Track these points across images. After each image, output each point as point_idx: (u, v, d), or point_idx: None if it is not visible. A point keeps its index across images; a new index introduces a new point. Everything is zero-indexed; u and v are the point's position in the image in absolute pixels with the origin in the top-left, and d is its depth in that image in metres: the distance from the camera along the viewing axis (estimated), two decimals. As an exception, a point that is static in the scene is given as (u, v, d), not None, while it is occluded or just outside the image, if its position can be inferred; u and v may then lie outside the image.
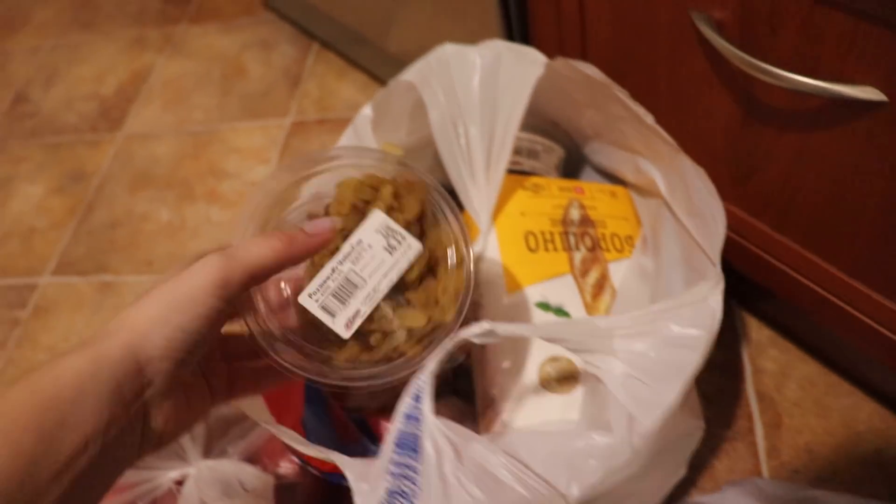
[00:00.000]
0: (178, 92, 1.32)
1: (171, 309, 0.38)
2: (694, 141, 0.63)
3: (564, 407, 0.57)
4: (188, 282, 0.39)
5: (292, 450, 0.54)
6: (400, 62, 1.04)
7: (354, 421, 0.65)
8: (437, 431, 0.45)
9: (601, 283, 0.64)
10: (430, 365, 0.45)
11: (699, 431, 0.63)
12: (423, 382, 0.45)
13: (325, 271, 0.44)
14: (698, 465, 0.73)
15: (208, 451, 0.69)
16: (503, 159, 0.63)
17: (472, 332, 0.46)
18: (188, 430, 0.43)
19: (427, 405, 0.45)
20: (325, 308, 0.44)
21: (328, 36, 1.23)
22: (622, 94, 0.58)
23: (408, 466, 0.45)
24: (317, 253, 0.45)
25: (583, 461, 0.48)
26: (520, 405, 0.58)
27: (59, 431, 0.34)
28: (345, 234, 0.45)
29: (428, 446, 0.45)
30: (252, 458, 0.66)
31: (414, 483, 0.45)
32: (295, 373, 0.44)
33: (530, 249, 0.64)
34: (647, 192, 0.68)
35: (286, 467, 0.66)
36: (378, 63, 1.14)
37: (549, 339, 0.49)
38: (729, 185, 0.64)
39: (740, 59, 0.50)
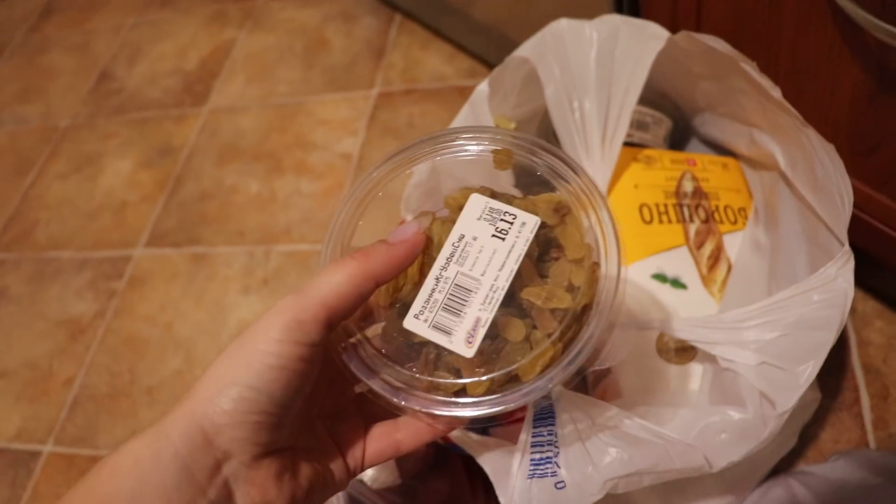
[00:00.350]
0: (260, 66, 1.34)
1: (237, 366, 0.33)
2: (814, 114, 0.62)
3: (682, 378, 0.58)
4: (256, 332, 0.33)
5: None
6: (486, 32, 1.04)
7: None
8: (568, 402, 0.47)
9: (716, 255, 0.64)
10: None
11: (815, 403, 0.63)
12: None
13: (429, 283, 0.37)
14: (804, 436, 0.73)
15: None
16: (619, 135, 0.63)
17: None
18: None
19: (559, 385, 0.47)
20: (437, 327, 0.37)
21: (411, 6, 1.23)
22: (750, 67, 0.57)
23: (547, 434, 0.47)
24: (408, 264, 0.37)
25: (715, 435, 0.49)
26: (636, 376, 0.59)
27: None
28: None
29: (563, 414, 0.47)
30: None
31: (555, 446, 0.46)
32: (438, 416, 0.37)
33: (645, 222, 0.64)
34: (760, 165, 0.68)
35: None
36: (463, 32, 1.14)
37: (681, 336, 0.50)
38: (850, 159, 0.63)
39: (882, 29, 0.49)
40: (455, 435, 0.52)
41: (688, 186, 0.67)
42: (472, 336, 0.36)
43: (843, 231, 0.53)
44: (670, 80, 0.71)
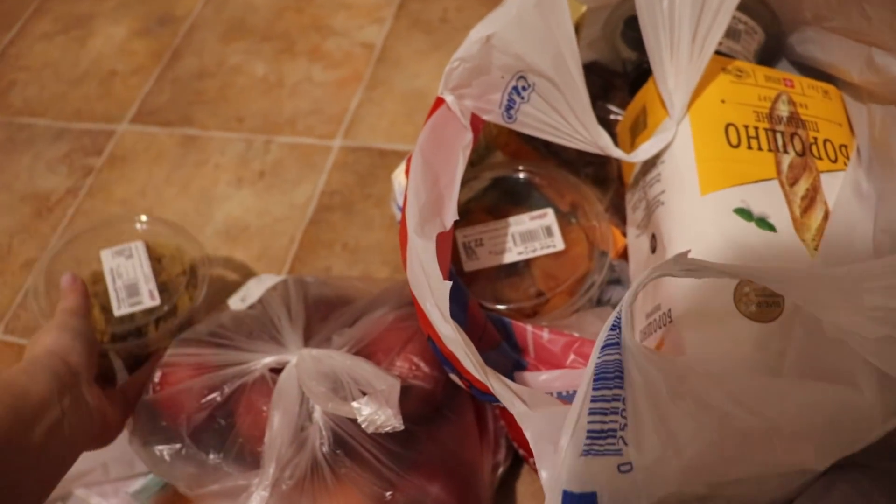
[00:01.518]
0: (282, -63, 1.19)
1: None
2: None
3: (763, 338, 0.47)
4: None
5: (446, 360, 0.44)
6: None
7: (493, 321, 0.55)
8: (644, 359, 0.36)
9: (812, 196, 0.53)
10: (629, 297, 0.37)
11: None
12: (622, 311, 0.37)
13: None
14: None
15: (308, 338, 0.60)
16: (714, 35, 0.52)
17: (676, 268, 0.36)
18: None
19: (629, 332, 0.36)
20: None
21: None
22: None
23: (612, 399, 0.36)
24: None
25: (821, 421, 0.37)
26: (705, 330, 0.48)
27: (25, 395, 0.48)
28: None
29: (635, 374, 0.35)
30: (364, 351, 0.58)
31: (622, 415, 0.35)
32: None
33: (731, 145, 0.53)
34: (872, 95, 0.56)
35: (401, 366, 0.57)
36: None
37: (779, 290, 0.39)
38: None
39: None
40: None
41: (783, 110, 0.55)
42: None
43: None
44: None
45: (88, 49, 1.14)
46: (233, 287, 0.78)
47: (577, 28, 0.59)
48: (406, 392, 0.55)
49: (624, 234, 0.61)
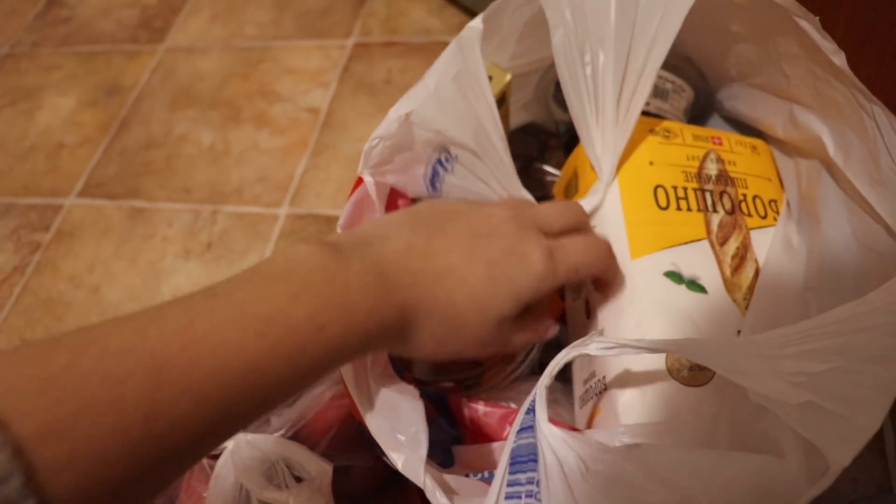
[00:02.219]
0: (228, 4, 1.20)
1: None
2: (877, 89, 0.51)
3: (697, 402, 0.46)
4: None
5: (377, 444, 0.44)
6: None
7: (428, 396, 0.54)
8: (558, 440, 0.35)
9: (742, 255, 0.53)
10: (545, 379, 0.38)
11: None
12: (536, 395, 0.37)
13: None
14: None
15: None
16: (639, 97, 0.51)
17: (592, 347, 0.38)
18: None
19: (542, 414, 0.37)
20: None
21: (398, -49, 1.11)
22: (809, 25, 0.46)
23: (526, 482, 0.36)
24: None
25: (745, 493, 0.37)
26: (639, 397, 0.47)
27: None
28: None
29: (549, 455, 0.35)
30: (300, 433, 0.56)
31: (536, 498, 0.35)
32: None
33: (660, 207, 0.53)
34: (798, 150, 0.57)
35: (339, 446, 0.56)
36: (454, -17, 1.02)
37: (696, 360, 0.39)
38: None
39: None
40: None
41: (712, 169, 0.56)
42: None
43: None
44: (698, 41, 0.59)
45: (36, 122, 1.14)
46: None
47: (505, 95, 0.59)
48: (347, 472, 0.54)
49: (562, 298, 0.61)
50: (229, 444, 0.55)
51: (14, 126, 1.14)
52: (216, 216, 0.93)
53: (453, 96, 0.49)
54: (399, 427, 0.44)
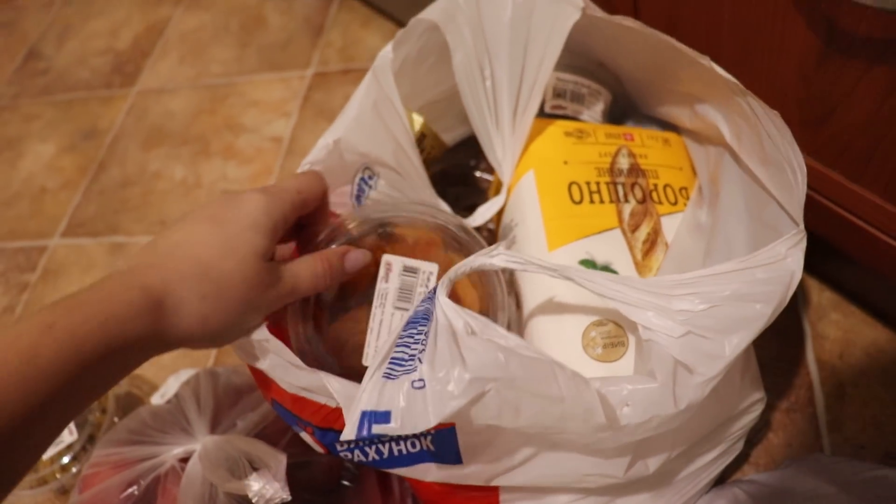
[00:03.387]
0: (195, 45, 1.26)
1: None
2: (760, 82, 0.56)
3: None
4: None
5: (289, 414, 0.49)
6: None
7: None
8: (449, 308, 0.41)
9: (653, 239, 0.57)
10: (451, 273, 0.44)
11: (760, 405, 0.57)
12: (440, 282, 0.43)
13: None
14: (752, 439, 0.67)
15: (216, 425, 0.64)
16: (532, 106, 0.57)
17: (498, 259, 0.44)
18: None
19: (442, 291, 0.42)
20: None
21: (351, -18, 1.16)
22: (669, 40, 0.51)
23: (417, 333, 0.41)
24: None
25: (617, 407, 0.42)
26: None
27: None
28: None
29: (441, 315, 0.41)
30: (263, 433, 0.61)
31: (422, 344, 0.40)
32: None
33: (574, 202, 0.57)
34: (705, 138, 0.61)
35: (297, 443, 0.60)
36: (406, 8, 1.07)
37: (603, 294, 0.44)
38: (799, 130, 0.57)
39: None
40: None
41: (623, 163, 0.60)
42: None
43: (797, 208, 0.47)
44: (605, 49, 0.64)
45: (19, 170, 1.19)
46: (159, 384, 0.82)
47: (424, 133, 0.63)
48: (307, 466, 0.59)
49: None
50: (197, 447, 0.60)
51: (-1, 175, 1.19)
52: (190, 245, 0.98)
53: (373, 122, 0.55)
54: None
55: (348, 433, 0.37)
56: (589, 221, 0.57)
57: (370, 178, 0.56)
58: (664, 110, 0.64)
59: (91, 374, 0.36)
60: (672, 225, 0.59)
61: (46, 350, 0.34)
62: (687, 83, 0.57)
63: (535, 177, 0.59)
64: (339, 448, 0.47)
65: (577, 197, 0.57)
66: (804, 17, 0.50)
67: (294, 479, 0.56)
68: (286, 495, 0.51)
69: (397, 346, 0.40)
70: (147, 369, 0.86)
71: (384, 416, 0.36)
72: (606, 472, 0.48)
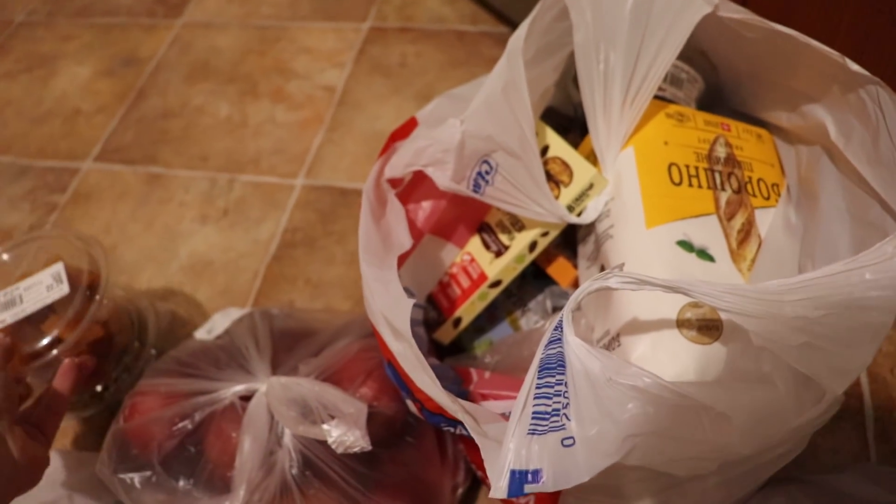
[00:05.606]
0: (245, -17, 1.23)
1: None
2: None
3: (703, 358, 0.51)
4: None
5: (402, 382, 0.48)
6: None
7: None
8: (582, 350, 0.39)
9: (747, 230, 0.57)
10: (571, 303, 0.41)
11: (837, 405, 0.57)
12: (564, 315, 0.40)
13: None
14: (800, 442, 0.68)
15: (276, 367, 0.63)
16: (643, 95, 0.56)
17: (612, 280, 0.41)
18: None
19: (569, 329, 0.39)
20: None
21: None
22: (795, 34, 0.51)
23: (555, 384, 0.39)
24: None
25: (744, 413, 0.42)
26: (651, 352, 0.51)
27: None
28: None
29: (576, 362, 0.39)
30: (332, 378, 0.60)
31: (564, 396, 0.38)
32: None
33: (674, 183, 0.57)
34: (799, 138, 0.61)
35: (365, 393, 0.60)
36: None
37: (708, 302, 0.43)
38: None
39: None
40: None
41: (721, 152, 0.60)
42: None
43: None
44: (714, 38, 0.63)
45: (52, 88, 1.16)
46: (199, 320, 0.80)
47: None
48: (371, 418, 0.58)
49: (575, 266, 0.65)
50: (262, 387, 0.59)
51: (30, 92, 1.16)
52: (233, 184, 0.96)
53: (502, 106, 0.54)
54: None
55: (498, 492, 0.36)
56: (687, 203, 0.56)
57: (488, 172, 0.55)
58: (760, 105, 0.64)
59: None
60: (764, 219, 0.59)
61: None
62: (801, 79, 0.56)
63: (636, 154, 0.58)
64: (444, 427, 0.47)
65: (676, 178, 0.57)
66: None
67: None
68: (367, 444, 0.51)
69: (536, 397, 0.38)
70: (184, 302, 0.84)
71: (535, 475, 0.36)
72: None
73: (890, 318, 0.42)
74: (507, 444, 0.37)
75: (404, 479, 0.58)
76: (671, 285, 0.41)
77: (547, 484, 0.35)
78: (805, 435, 0.58)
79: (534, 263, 0.65)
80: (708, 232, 0.56)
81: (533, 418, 0.38)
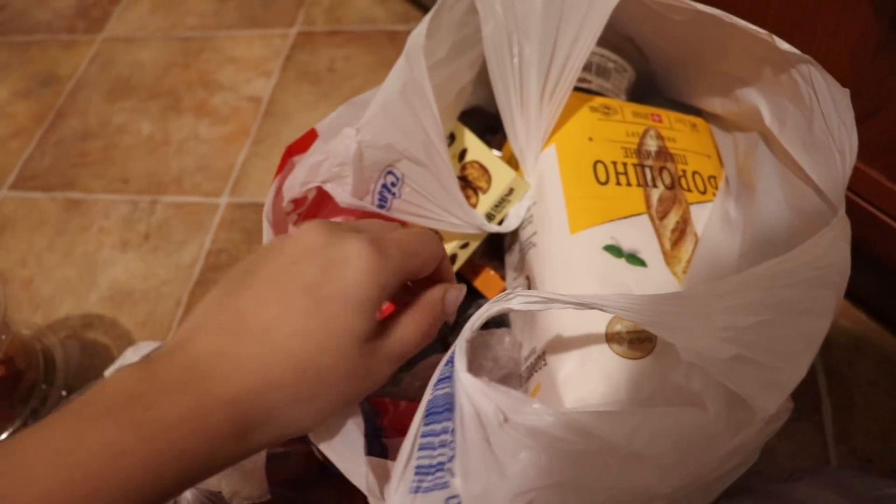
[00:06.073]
0: (168, -7, 1.18)
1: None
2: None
3: (636, 374, 0.46)
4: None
5: None
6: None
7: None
8: (474, 388, 0.33)
9: (682, 229, 0.53)
10: (466, 332, 0.36)
11: (787, 413, 0.53)
12: (456, 348, 0.35)
13: None
14: (757, 448, 0.63)
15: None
16: (562, 89, 0.51)
17: (515, 301, 0.36)
18: None
19: (461, 364, 0.34)
20: None
21: (342, -60, 1.09)
22: (736, 19, 0.46)
23: (441, 432, 0.34)
24: None
25: (666, 445, 0.37)
26: (579, 369, 0.47)
27: None
28: None
29: (466, 404, 0.33)
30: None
31: (450, 447, 0.33)
32: None
33: (599, 182, 0.53)
34: (736, 125, 0.57)
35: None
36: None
37: (626, 317, 0.38)
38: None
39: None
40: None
41: (651, 145, 0.56)
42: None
43: (838, 194, 0.43)
44: (640, 23, 0.59)
45: (-34, 114, 1.10)
46: (117, 355, 0.75)
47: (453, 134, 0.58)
48: (285, 458, 0.53)
49: (503, 278, 0.60)
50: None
51: (-58, 118, 1.10)
52: (155, 206, 0.90)
53: (401, 109, 0.48)
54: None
55: None
56: (615, 204, 0.52)
57: (393, 184, 0.50)
58: (693, 92, 0.60)
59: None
60: (701, 215, 0.54)
61: (119, 478, 0.28)
62: (733, 61, 0.52)
63: (557, 152, 0.54)
64: None
65: (602, 177, 0.53)
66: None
67: (270, 471, 0.51)
68: (265, 493, 0.46)
69: (421, 448, 0.34)
70: (102, 337, 0.79)
71: None
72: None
73: (827, 322, 0.38)
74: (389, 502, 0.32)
75: (325, 522, 0.53)
76: (582, 301, 0.37)
77: None
78: (755, 448, 0.54)
79: (462, 276, 0.61)
80: (638, 234, 0.51)
81: (416, 473, 0.33)
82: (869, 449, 0.63)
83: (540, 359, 0.49)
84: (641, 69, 0.64)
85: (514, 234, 0.56)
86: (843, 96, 0.43)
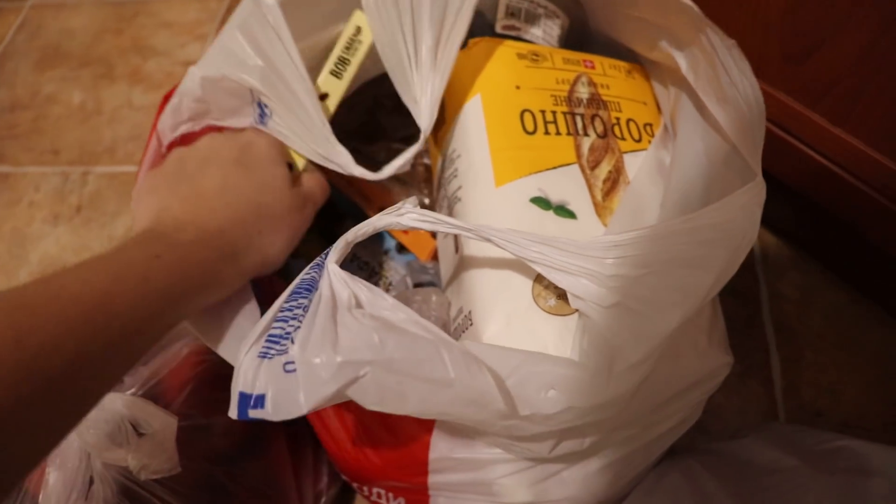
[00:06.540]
0: (98, -43, 1.12)
1: None
2: (741, 9, 0.50)
3: (562, 331, 0.44)
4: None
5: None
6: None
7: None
8: (336, 277, 0.36)
9: (614, 178, 0.50)
10: (349, 235, 0.38)
11: (726, 370, 0.51)
12: (336, 244, 0.38)
13: None
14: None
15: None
16: (457, 33, 0.45)
17: (406, 217, 0.38)
18: None
19: (333, 256, 0.37)
20: None
21: None
22: None
23: (296, 307, 0.36)
24: None
25: (538, 391, 0.36)
26: (504, 329, 0.44)
27: None
28: None
29: (325, 289, 0.36)
30: (154, 390, 0.52)
31: (298, 320, 0.35)
32: None
33: (527, 132, 0.50)
34: (664, 72, 0.55)
35: (194, 402, 0.52)
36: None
37: (510, 250, 0.38)
38: (779, 65, 0.51)
39: None
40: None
41: (583, 92, 0.53)
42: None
43: (754, 154, 0.41)
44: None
45: None
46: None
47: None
48: (207, 430, 0.50)
49: (433, 236, 0.58)
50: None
51: None
52: (86, 178, 0.87)
53: (238, 43, 0.46)
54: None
55: (232, 413, 0.34)
56: (543, 154, 0.49)
57: (266, 105, 0.48)
58: (625, 39, 0.57)
59: (174, 306, 0.39)
60: (635, 164, 0.52)
61: (156, 275, 0.38)
62: (641, 6, 0.50)
63: (483, 102, 0.51)
64: None
65: (530, 127, 0.50)
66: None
67: (189, 445, 0.48)
68: (175, 466, 0.43)
69: (276, 320, 0.36)
70: None
71: (260, 401, 0.33)
72: (529, 448, 0.42)
73: (710, 280, 0.37)
74: (238, 365, 0.34)
75: (249, 497, 0.50)
76: (469, 227, 0.38)
77: (269, 411, 0.32)
78: (699, 402, 0.52)
79: (391, 233, 0.58)
80: (568, 184, 0.49)
81: (267, 341, 0.35)
82: (818, 403, 0.62)
83: (467, 319, 0.46)
84: (575, 15, 0.61)
85: (443, 188, 0.54)
86: (733, 48, 0.42)
